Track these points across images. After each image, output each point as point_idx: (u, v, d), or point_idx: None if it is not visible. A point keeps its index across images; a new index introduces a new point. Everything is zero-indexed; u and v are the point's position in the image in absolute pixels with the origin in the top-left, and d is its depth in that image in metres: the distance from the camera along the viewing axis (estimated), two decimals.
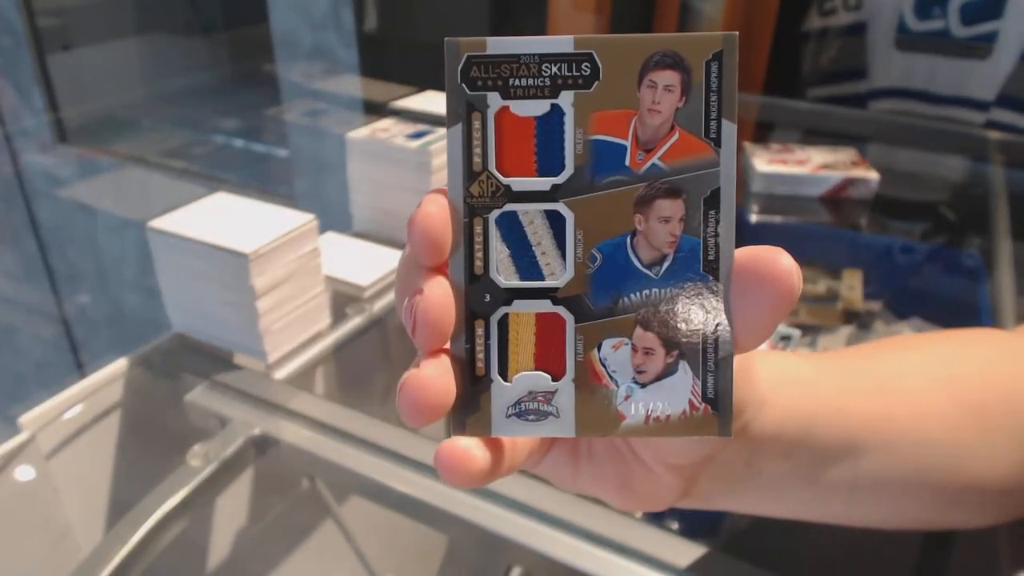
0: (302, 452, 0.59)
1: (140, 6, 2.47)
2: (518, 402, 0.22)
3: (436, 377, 0.21)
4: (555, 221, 0.22)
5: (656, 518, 0.65)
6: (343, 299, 0.77)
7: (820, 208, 1.00)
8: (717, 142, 0.21)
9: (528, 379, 0.22)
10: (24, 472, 0.61)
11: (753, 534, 0.61)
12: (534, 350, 0.23)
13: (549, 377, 0.22)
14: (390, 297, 0.78)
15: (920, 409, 0.32)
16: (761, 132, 1.33)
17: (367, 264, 0.80)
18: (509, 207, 0.22)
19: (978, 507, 0.35)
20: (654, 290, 0.22)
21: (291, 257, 0.66)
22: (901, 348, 0.36)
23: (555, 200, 0.22)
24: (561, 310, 0.22)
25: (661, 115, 0.21)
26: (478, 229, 0.22)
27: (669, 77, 0.21)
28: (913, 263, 0.96)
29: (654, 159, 0.22)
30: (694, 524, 0.65)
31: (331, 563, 0.79)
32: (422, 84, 0.96)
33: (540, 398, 0.22)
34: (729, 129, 0.21)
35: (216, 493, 0.59)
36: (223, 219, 0.66)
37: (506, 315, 0.22)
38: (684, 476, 0.27)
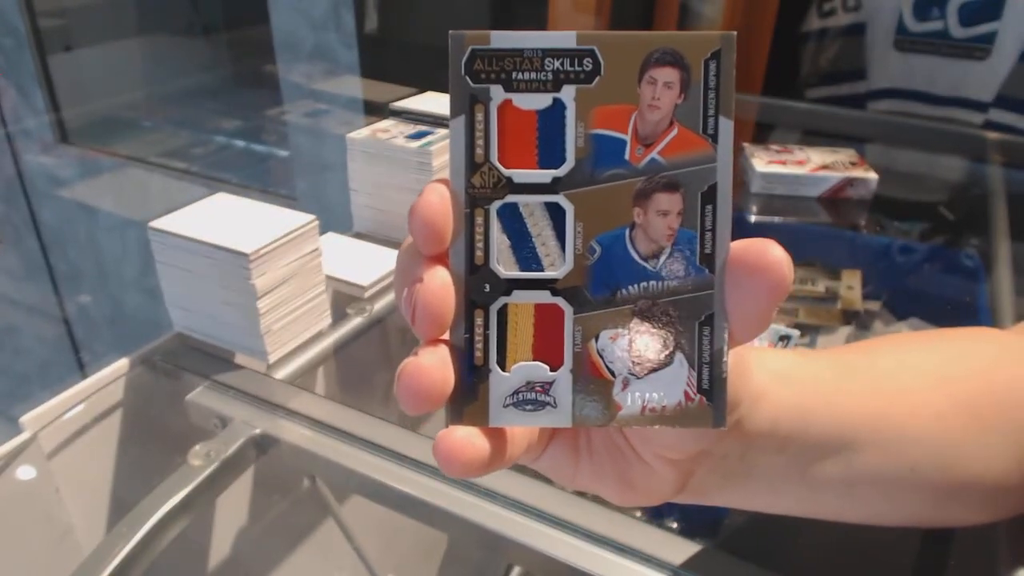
0: (303, 452, 0.59)
1: (141, 7, 2.48)
2: (516, 392, 0.23)
3: (434, 365, 0.21)
4: (555, 213, 0.22)
5: (656, 517, 0.65)
6: (344, 299, 0.78)
7: (819, 208, 1.00)
8: (715, 138, 0.22)
9: (526, 369, 0.23)
10: (25, 472, 0.61)
11: (752, 533, 0.61)
12: (532, 340, 0.23)
13: (547, 367, 0.23)
14: (391, 297, 0.79)
15: (915, 407, 0.32)
16: (760, 132, 1.33)
17: (367, 264, 0.80)
18: (510, 198, 0.22)
19: (975, 504, 0.35)
20: (651, 282, 0.22)
21: (292, 257, 0.66)
22: (897, 346, 0.36)
23: (556, 192, 0.22)
24: (560, 301, 0.22)
25: (660, 111, 0.22)
26: (479, 220, 0.22)
27: (669, 74, 0.21)
28: (912, 263, 0.96)
29: (653, 154, 0.22)
30: (694, 523, 0.66)
31: (332, 562, 0.79)
32: (423, 85, 0.96)
33: (538, 388, 0.23)
34: (726, 126, 0.22)
35: (217, 493, 0.59)
36: (224, 219, 0.66)
37: (505, 305, 0.23)
38: (681, 470, 0.27)
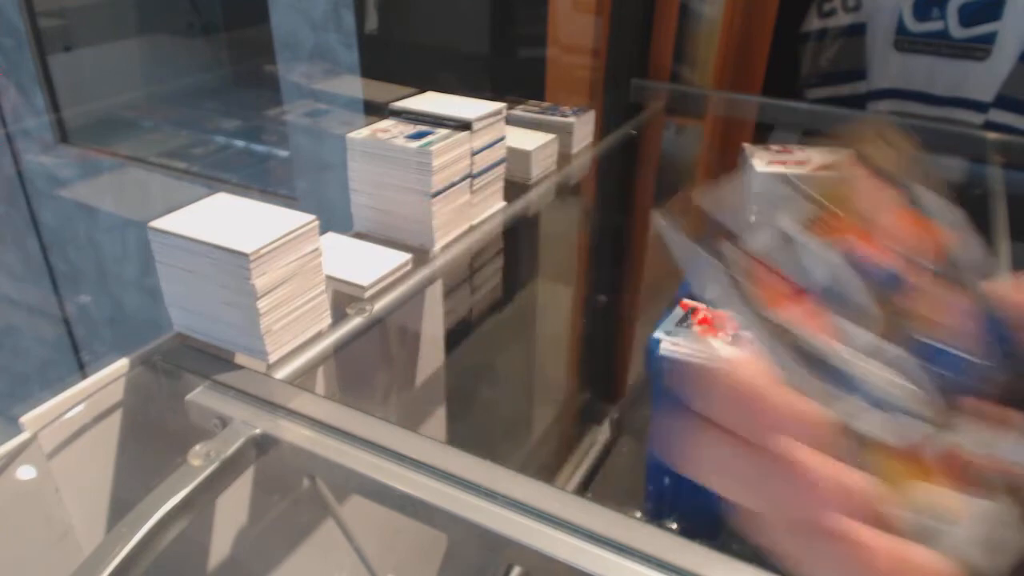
0: (303, 452, 0.59)
1: (141, 7, 2.48)
2: None
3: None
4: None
5: (656, 517, 0.65)
6: (344, 299, 0.78)
7: None
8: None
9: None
10: (26, 472, 0.61)
11: None
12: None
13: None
14: (391, 297, 0.79)
15: None
16: (760, 133, 1.33)
17: (368, 264, 0.80)
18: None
19: None
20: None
21: (292, 257, 0.66)
22: None
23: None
24: None
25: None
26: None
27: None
28: None
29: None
30: (694, 524, 0.65)
31: (331, 562, 0.79)
32: (423, 85, 0.96)
33: None
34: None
35: (217, 493, 0.59)
36: (224, 219, 0.66)
37: None
38: None
